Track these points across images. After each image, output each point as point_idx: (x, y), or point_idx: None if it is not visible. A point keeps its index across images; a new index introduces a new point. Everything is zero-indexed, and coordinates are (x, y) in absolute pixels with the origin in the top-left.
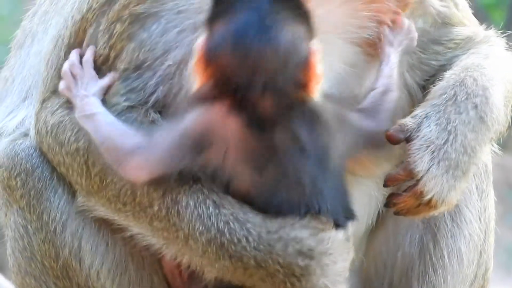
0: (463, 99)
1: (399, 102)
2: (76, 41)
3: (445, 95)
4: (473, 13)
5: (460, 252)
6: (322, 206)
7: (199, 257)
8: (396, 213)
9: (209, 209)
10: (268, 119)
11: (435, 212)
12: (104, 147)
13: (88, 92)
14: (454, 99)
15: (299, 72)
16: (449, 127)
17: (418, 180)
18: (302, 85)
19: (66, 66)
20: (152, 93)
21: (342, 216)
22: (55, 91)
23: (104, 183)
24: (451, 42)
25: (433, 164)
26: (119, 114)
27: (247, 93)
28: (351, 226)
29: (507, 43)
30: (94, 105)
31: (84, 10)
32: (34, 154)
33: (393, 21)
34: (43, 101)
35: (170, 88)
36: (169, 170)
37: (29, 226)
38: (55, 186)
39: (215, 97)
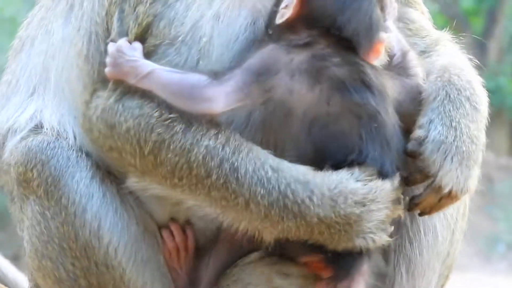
0: (456, 95)
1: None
2: (110, 33)
3: (439, 97)
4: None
5: (436, 229)
6: (371, 153)
7: (260, 221)
8: (421, 214)
9: (268, 173)
10: (339, 56)
11: (458, 202)
12: (175, 91)
13: (135, 58)
14: (448, 98)
15: (377, 40)
16: (453, 124)
17: (435, 178)
18: (374, 49)
19: (111, 47)
20: (193, 69)
21: (389, 167)
22: (104, 82)
23: (158, 160)
24: (412, 23)
25: (446, 161)
26: None
27: (341, 29)
28: (397, 177)
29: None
30: (147, 64)
31: (107, 5)
32: (47, 147)
33: None
34: (93, 92)
35: (208, 63)
36: (240, 101)
37: (46, 212)
38: (72, 173)
39: (298, 30)
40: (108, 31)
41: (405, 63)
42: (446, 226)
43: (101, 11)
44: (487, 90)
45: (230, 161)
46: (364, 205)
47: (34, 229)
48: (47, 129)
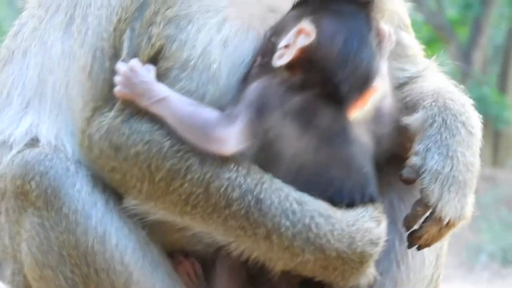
0: (452, 121)
1: (392, 107)
2: (117, 50)
3: (436, 123)
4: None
5: (423, 253)
6: (372, 192)
7: (278, 252)
8: (420, 247)
9: (292, 205)
10: (328, 104)
11: (455, 229)
12: (185, 125)
13: (149, 79)
14: (445, 124)
15: (367, 92)
16: (450, 153)
17: (435, 209)
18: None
19: (121, 66)
20: (203, 95)
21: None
22: (107, 99)
23: (171, 187)
24: (408, 49)
25: (444, 191)
26: None
27: (337, 85)
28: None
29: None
30: (163, 89)
31: (115, 21)
32: (45, 159)
33: (376, 30)
34: (95, 109)
35: (217, 89)
36: (248, 141)
37: (45, 222)
38: (72, 182)
39: (294, 77)
40: (115, 48)
41: (380, 110)
42: (433, 250)
43: (108, 27)
44: (471, 100)
45: (254, 192)
46: (377, 245)
47: (33, 240)
48: (43, 143)
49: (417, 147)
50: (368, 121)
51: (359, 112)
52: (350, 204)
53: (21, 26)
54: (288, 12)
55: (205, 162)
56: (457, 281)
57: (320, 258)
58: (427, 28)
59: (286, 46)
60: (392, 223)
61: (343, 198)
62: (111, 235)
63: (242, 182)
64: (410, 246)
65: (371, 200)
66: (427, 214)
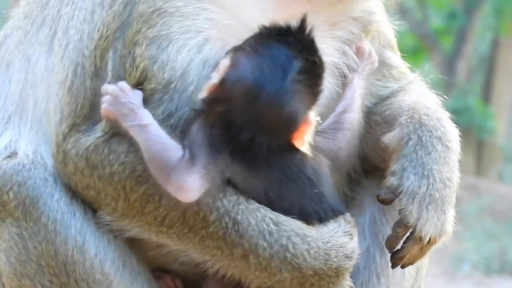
0: (428, 137)
1: (356, 123)
2: (98, 69)
3: (412, 141)
4: (424, 38)
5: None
6: (333, 206)
7: (255, 272)
8: (404, 266)
9: (269, 226)
10: (256, 158)
11: (436, 246)
12: (151, 160)
13: (137, 102)
14: (420, 142)
15: (288, 134)
16: (426, 172)
17: (414, 229)
18: (289, 141)
19: (109, 87)
20: (182, 116)
21: (344, 209)
22: (87, 117)
23: (146, 208)
24: (393, 69)
25: (422, 211)
26: None
27: (238, 130)
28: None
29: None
30: (146, 116)
31: (96, 38)
32: (23, 169)
33: (356, 47)
34: (73, 125)
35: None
36: (208, 185)
37: (24, 233)
38: (50, 192)
39: (211, 114)
40: (95, 66)
41: (339, 123)
42: (414, 264)
43: (89, 44)
44: (455, 110)
45: (231, 214)
46: (351, 259)
47: (12, 250)
48: (21, 157)
49: (394, 166)
50: (320, 141)
51: (301, 142)
52: (319, 221)
53: (6, 38)
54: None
55: None
56: None
57: (297, 276)
58: (411, 38)
59: (210, 80)
60: (373, 235)
61: (310, 217)
62: (91, 244)
63: (219, 205)
64: (393, 266)
65: (337, 214)
66: (408, 234)
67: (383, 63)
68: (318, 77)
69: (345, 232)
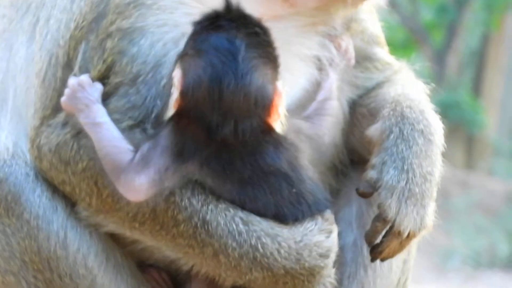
0: (409, 131)
1: (336, 110)
2: (70, 60)
3: (393, 135)
4: (414, 32)
5: (391, 259)
6: (314, 205)
7: (226, 270)
8: (384, 259)
9: (238, 225)
10: (235, 151)
11: (416, 239)
12: (105, 163)
13: (93, 98)
14: (401, 135)
15: (265, 111)
16: (405, 167)
17: (393, 223)
18: (267, 121)
19: (72, 79)
20: (151, 109)
21: (325, 206)
22: (56, 110)
23: (118, 204)
24: (378, 62)
25: (401, 205)
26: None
27: (217, 130)
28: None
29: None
30: (100, 113)
31: (72, 28)
32: (4, 165)
33: (335, 43)
34: (43, 118)
35: (167, 103)
36: (162, 186)
37: (7, 229)
38: (32, 187)
39: (187, 124)
40: (68, 56)
41: (320, 110)
42: (400, 257)
43: (65, 34)
44: (445, 104)
45: (200, 214)
46: (327, 257)
47: None
48: (2, 150)
49: (374, 160)
50: (307, 127)
51: (277, 116)
52: (297, 220)
53: None
54: None
55: None
56: (428, 284)
57: (268, 275)
58: (402, 31)
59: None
60: (360, 228)
61: (286, 219)
62: (73, 239)
63: (187, 204)
64: (372, 260)
65: (318, 212)
66: (387, 228)
67: (366, 57)
68: (267, 45)
69: (321, 230)
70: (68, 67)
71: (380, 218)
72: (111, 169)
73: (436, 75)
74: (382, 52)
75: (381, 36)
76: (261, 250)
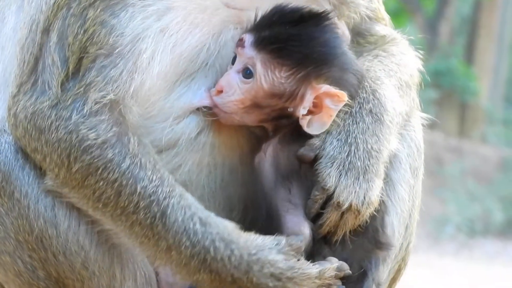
0: (357, 109)
1: None
2: (50, 24)
3: (341, 111)
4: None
5: (393, 226)
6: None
7: (177, 266)
8: (327, 234)
9: (195, 225)
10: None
11: (362, 217)
12: None
13: None
14: (349, 112)
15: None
16: (349, 140)
17: (333, 194)
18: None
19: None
20: (129, 83)
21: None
22: (30, 75)
23: (85, 182)
24: (371, 36)
25: (341, 176)
26: (99, 111)
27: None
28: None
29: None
30: None
31: None
32: None
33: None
34: (21, 85)
35: (146, 78)
36: None
37: (0, 209)
38: (22, 165)
39: None
40: (48, 21)
41: None
42: (402, 223)
43: (49, 0)
44: (438, 72)
45: (161, 206)
46: (279, 280)
47: None
48: None
49: None
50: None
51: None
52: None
53: None
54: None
55: (122, 163)
56: (422, 252)
57: (215, 279)
58: (393, 0)
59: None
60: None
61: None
62: (62, 217)
63: (151, 192)
64: (316, 236)
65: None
66: (325, 198)
67: (359, 33)
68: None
69: (282, 252)
70: (47, 33)
71: (319, 187)
72: None
73: (429, 43)
74: (378, 27)
75: (378, 9)
76: (212, 253)
